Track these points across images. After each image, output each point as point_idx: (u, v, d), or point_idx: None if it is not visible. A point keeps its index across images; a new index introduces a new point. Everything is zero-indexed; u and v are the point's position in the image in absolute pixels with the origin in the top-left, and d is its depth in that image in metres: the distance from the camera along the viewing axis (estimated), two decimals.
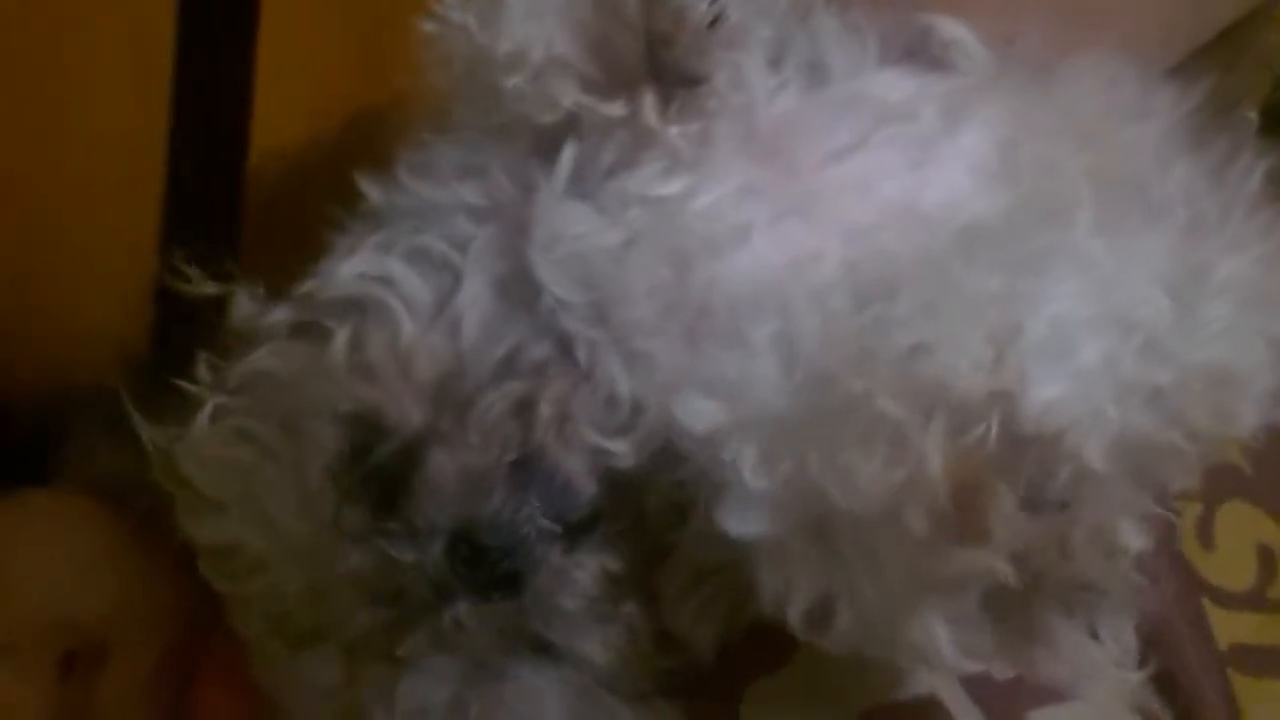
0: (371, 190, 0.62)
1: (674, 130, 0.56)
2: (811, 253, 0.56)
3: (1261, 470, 0.69)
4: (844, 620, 0.49)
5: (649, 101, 0.57)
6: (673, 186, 0.57)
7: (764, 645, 0.59)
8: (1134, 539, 0.46)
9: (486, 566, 0.55)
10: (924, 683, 0.57)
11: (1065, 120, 0.63)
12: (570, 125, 0.58)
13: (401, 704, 0.56)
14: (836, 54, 0.64)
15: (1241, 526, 0.69)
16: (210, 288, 0.63)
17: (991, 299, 0.51)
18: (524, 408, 0.56)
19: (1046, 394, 0.45)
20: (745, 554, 0.51)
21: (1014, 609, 0.46)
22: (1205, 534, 0.69)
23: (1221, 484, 0.70)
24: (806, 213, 0.59)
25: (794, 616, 0.50)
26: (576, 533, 0.56)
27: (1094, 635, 0.47)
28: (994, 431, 0.45)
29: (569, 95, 0.56)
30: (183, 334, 0.66)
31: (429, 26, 0.60)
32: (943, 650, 0.46)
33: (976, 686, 0.58)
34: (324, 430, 0.57)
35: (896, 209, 0.59)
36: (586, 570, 0.56)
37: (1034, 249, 0.54)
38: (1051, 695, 0.58)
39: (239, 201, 0.90)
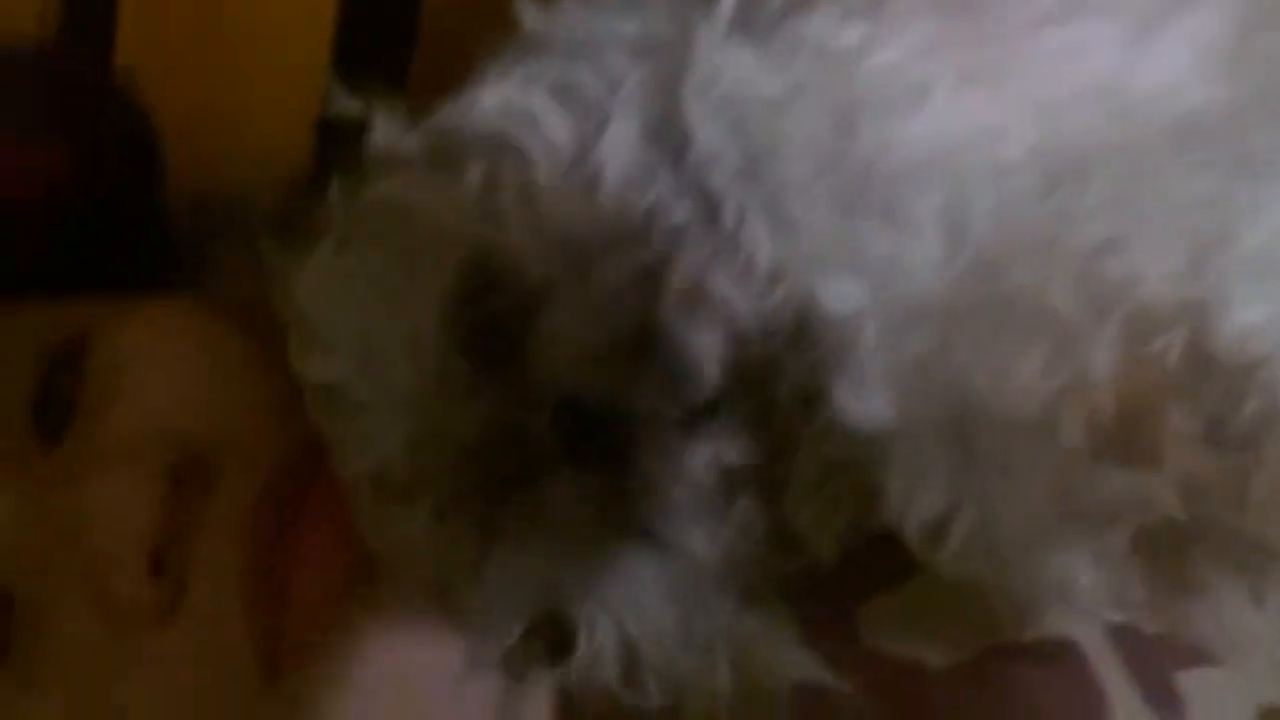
0: (528, 15, 0.57)
1: None
2: (998, 126, 0.49)
3: None
4: (968, 539, 0.43)
5: None
6: (847, 36, 0.51)
7: (888, 558, 0.54)
8: None
9: (594, 438, 0.51)
10: (1060, 625, 0.51)
11: None
12: None
13: (490, 575, 0.52)
14: None
15: None
16: (354, 109, 0.59)
17: (1200, 200, 0.44)
18: (653, 275, 0.51)
19: (1248, 316, 0.38)
20: (874, 450, 0.45)
21: (1172, 555, 0.40)
22: None
23: None
24: (998, 80, 0.52)
25: (913, 527, 0.45)
26: (694, 417, 0.51)
27: (1258, 601, 0.41)
28: (1179, 346, 0.38)
29: None
30: (334, 159, 0.62)
31: None
32: (1081, 592, 0.40)
33: (1121, 638, 0.52)
34: (442, 270, 0.52)
35: (1104, 88, 0.52)
36: (701, 459, 0.52)
37: (1258, 150, 0.46)
38: (1203, 657, 0.51)
39: (413, 30, 0.84)
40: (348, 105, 0.60)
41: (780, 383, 0.52)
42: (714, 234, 0.52)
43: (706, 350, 0.51)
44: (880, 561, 0.55)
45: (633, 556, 0.54)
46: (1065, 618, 0.53)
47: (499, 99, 0.55)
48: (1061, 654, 0.53)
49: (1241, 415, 0.40)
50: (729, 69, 0.52)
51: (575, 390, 0.51)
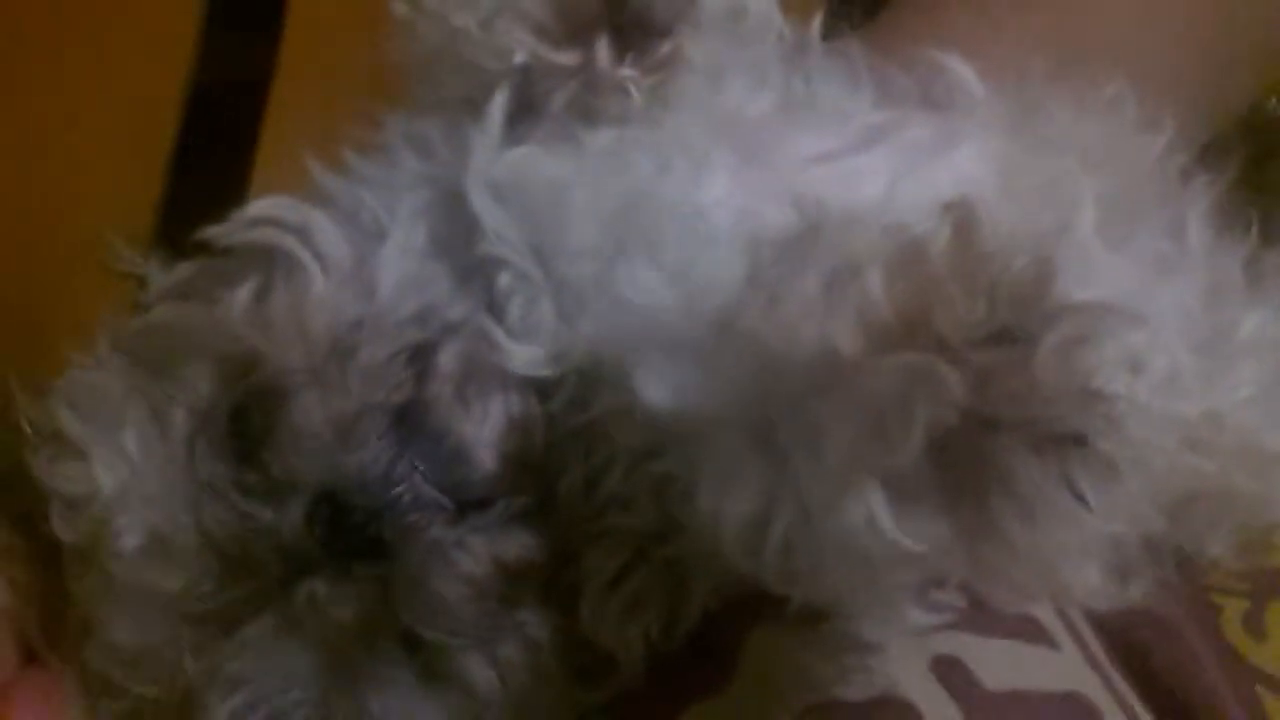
0: (321, 175, 0.57)
1: (626, 73, 0.51)
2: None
3: None
4: (788, 535, 0.39)
5: (603, 47, 0.52)
6: (622, 134, 0.52)
7: (701, 666, 0.49)
8: (1117, 382, 0.37)
9: (350, 532, 0.46)
10: (882, 680, 0.46)
11: (1065, 143, 0.57)
12: (522, 79, 0.54)
13: (239, 695, 0.45)
14: (826, 85, 0.60)
15: None
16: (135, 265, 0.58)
17: None
18: (420, 356, 0.49)
19: (1004, 216, 0.37)
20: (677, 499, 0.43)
21: (968, 456, 0.37)
22: (1255, 626, 0.58)
23: (1270, 584, 0.62)
24: (774, 197, 0.53)
25: (731, 535, 0.41)
26: (466, 509, 0.47)
27: (1075, 494, 0.37)
28: (944, 244, 0.37)
29: (522, 41, 0.52)
30: None
31: (401, 11, 0.57)
32: (887, 533, 0.36)
33: (956, 684, 0.47)
34: (199, 371, 0.50)
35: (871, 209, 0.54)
36: (473, 555, 0.47)
37: None
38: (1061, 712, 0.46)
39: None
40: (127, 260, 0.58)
41: (564, 472, 0.48)
42: (493, 327, 0.50)
43: (477, 436, 0.48)
44: (692, 671, 0.50)
45: (401, 677, 0.48)
46: (887, 669, 0.48)
47: (272, 215, 0.54)
48: (886, 706, 0.47)
49: (1016, 307, 0.38)
50: (507, 158, 0.52)
51: (329, 477, 0.47)
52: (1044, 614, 0.56)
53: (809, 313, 0.38)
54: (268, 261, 0.53)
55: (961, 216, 0.38)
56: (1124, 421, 0.37)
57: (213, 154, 0.84)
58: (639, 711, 0.50)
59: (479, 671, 0.48)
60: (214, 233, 0.54)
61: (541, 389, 0.49)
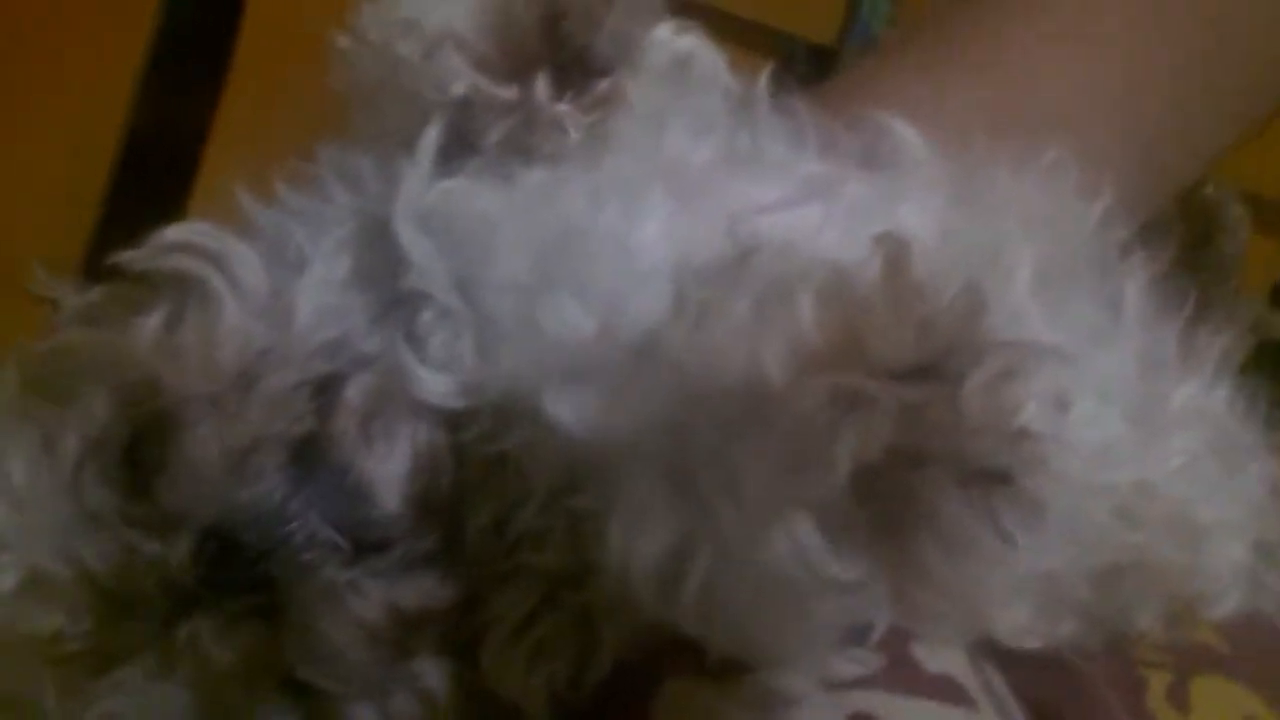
0: (251, 207, 0.56)
1: (563, 109, 0.51)
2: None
3: (1239, 650, 0.59)
4: (699, 562, 0.38)
5: (542, 83, 0.52)
6: (557, 172, 0.51)
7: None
8: (1041, 421, 0.36)
9: (238, 569, 0.44)
10: None
11: (1005, 206, 0.57)
12: (459, 113, 0.53)
13: None
14: (770, 139, 0.60)
15: (1222, 698, 0.58)
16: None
17: None
18: (326, 389, 0.47)
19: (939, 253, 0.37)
20: (588, 508, 0.42)
21: (893, 489, 0.36)
22: (1180, 700, 0.57)
23: (1195, 659, 0.61)
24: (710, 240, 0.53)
25: (642, 579, 0.40)
26: (365, 551, 0.45)
27: (1000, 532, 0.36)
28: (874, 281, 0.36)
29: (461, 72, 0.52)
30: None
31: (343, 43, 0.57)
32: (813, 558, 0.35)
33: None
34: (97, 397, 0.48)
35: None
36: (367, 599, 0.45)
37: None
38: None
39: None
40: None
41: (472, 512, 0.47)
42: (408, 357, 0.49)
43: (381, 474, 0.46)
44: None
45: None
46: None
47: (189, 241, 0.52)
48: None
49: (944, 341, 0.38)
50: (437, 189, 0.51)
51: (220, 510, 0.45)
52: (963, 675, 0.55)
53: (735, 337, 0.37)
54: (181, 289, 0.51)
55: (893, 249, 0.37)
56: (1050, 460, 0.36)
57: (147, 195, 0.83)
58: None
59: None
60: (129, 257, 0.52)
61: (454, 423, 0.47)
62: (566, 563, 0.47)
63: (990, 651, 0.57)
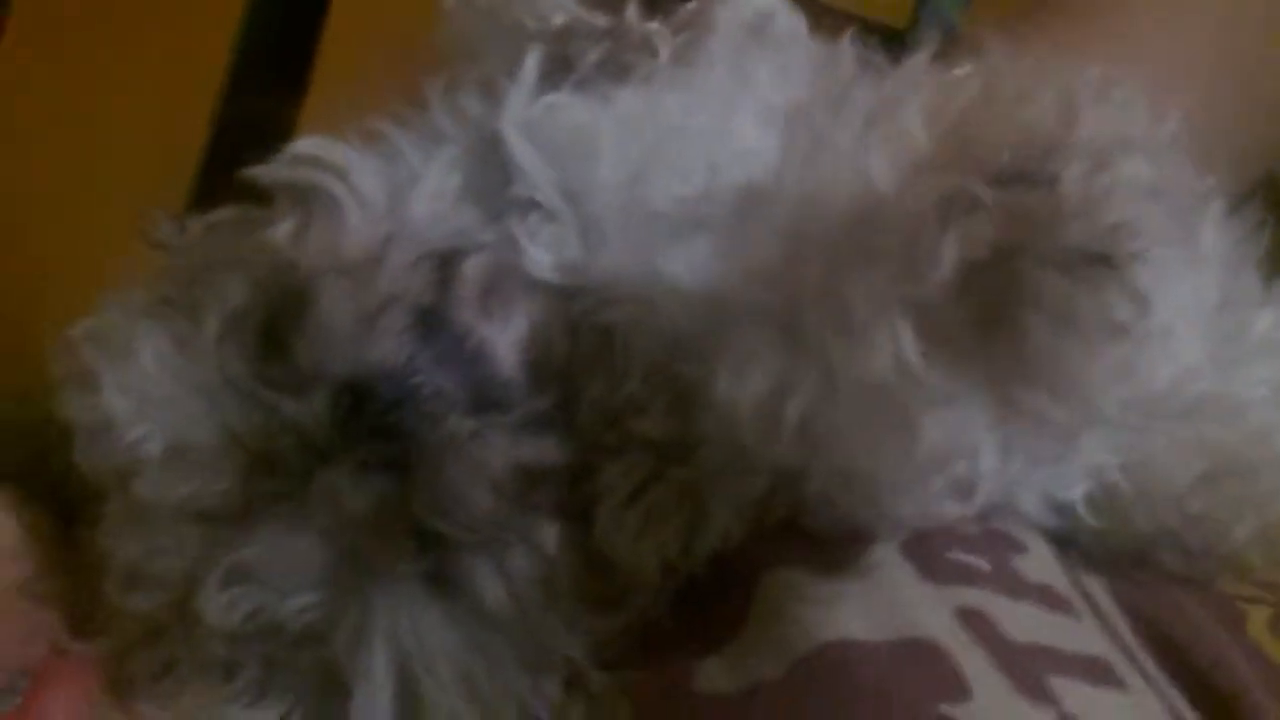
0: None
1: (654, 28, 0.54)
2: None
3: None
4: (803, 394, 0.39)
5: (634, 7, 0.55)
6: (650, 88, 0.54)
7: (717, 612, 0.49)
8: (1140, 206, 0.37)
9: (369, 418, 0.46)
10: (905, 622, 0.46)
11: None
12: (558, 43, 0.56)
13: (241, 586, 0.45)
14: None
15: None
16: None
17: None
18: (447, 262, 0.50)
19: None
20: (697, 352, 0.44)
21: (998, 284, 0.37)
22: None
23: None
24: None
25: (749, 417, 0.42)
26: (486, 409, 0.47)
27: (1108, 314, 0.37)
28: (974, 92, 0.38)
29: (561, 4, 0.55)
30: None
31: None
32: (915, 363, 0.37)
33: (982, 632, 0.47)
34: (232, 281, 0.51)
35: None
36: (492, 449, 0.47)
37: None
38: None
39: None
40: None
41: (585, 385, 0.49)
42: (521, 235, 0.51)
43: (499, 340, 0.49)
44: (712, 616, 0.49)
45: (410, 585, 0.47)
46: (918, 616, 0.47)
47: (313, 153, 0.55)
48: (919, 652, 0.46)
49: (1043, 147, 0.39)
50: (541, 102, 0.54)
51: (353, 373, 0.47)
52: (1063, 587, 0.55)
53: (844, 159, 0.39)
54: (306, 202, 0.54)
55: (991, 67, 0.39)
56: (1149, 252, 0.37)
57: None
58: (656, 664, 0.49)
59: (488, 581, 0.47)
60: (256, 171, 0.55)
61: (566, 298, 0.49)
62: (672, 435, 0.48)
63: (1090, 565, 0.58)
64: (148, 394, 0.49)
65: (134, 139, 0.85)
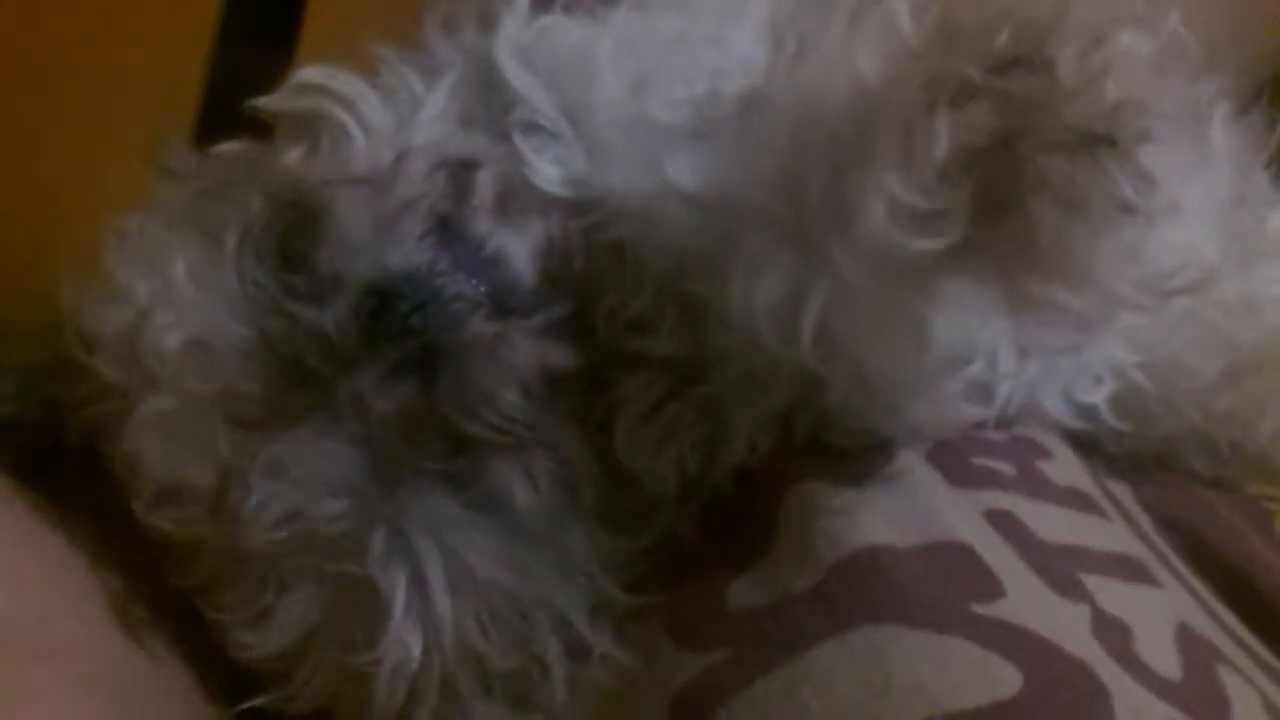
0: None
1: None
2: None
3: None
4: (818, 295, 0.39)
5: None
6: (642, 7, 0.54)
7: (743, 533, 0.49)
8: (1143, 93, 0.37)
9: (394, 322, 0.46)
10: (936, 526, 0.46)
11: None
12: None
13: (277, 481, 0.45)
14: None
15: None
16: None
17: None
18: (463, 172, 0.49)
19: None
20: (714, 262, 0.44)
21: (1001, 171, 0.37)
22: None
23: None
24: None
25: (765, 317, 0.42)
26: (507, 313, 0.47)
27: (1112, 193, 0.37)
28: None
29: None
30: None
31: None
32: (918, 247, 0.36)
33: (1012, 533, 0.47)
34: (250, 195, 0.51)
35: None
36: (517, 349, 0.47)
37: None
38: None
39: None
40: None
41: (599, 297, 0.49)
42: (529, 153, 0.51)
43: (516, 247, 0.49)
44: (739, 537, 0.49)
45: (439, 487, 0.47)
46: (948, 520, 0.47)
47: (319, 82, 0.55)
48: (949, 551, 0.46)
49: (1037, 32, 0.39)
50: (535, 25, 0.53)
51: (374, 272, 0.47)
52: (1089, 488, 0.55)
53: (834, 56, 0.38)
54: (314, 129, 0.53)
55: None
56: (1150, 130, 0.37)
57: None
58: (687, 585, 0.49)
59: (516, 482, 0.47)
60: (263, 101, 0.55)
61: (578, 212, 0.49)
62: (685, 353, 0.48)
63: (1115, 471, 0.57)
64: (177, 299, 0.49)
65: (123, 100, 0.85)
